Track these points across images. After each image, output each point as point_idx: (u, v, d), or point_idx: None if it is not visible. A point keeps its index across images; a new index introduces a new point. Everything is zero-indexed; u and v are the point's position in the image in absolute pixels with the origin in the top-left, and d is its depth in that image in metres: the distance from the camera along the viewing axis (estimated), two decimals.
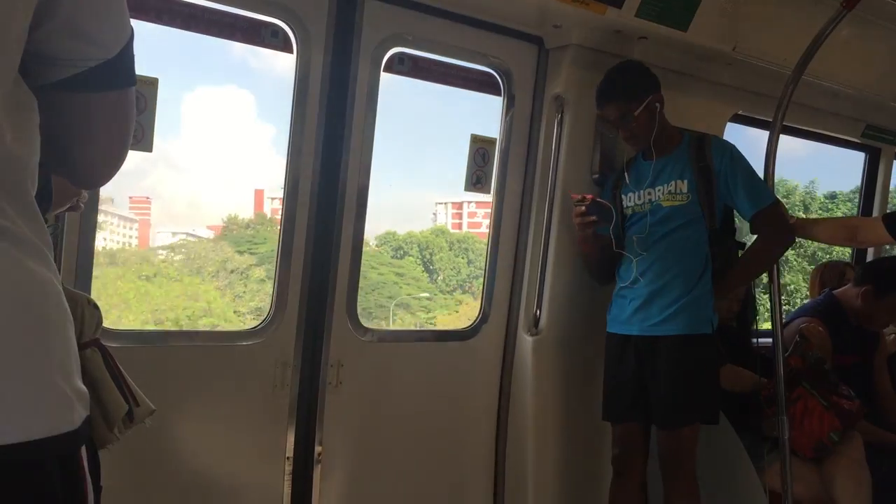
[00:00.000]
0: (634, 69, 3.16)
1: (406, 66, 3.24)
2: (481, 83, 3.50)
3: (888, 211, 4.56)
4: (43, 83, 1.02)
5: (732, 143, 3.22)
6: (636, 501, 3.17)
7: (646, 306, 3.09)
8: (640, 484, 3.18)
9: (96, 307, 2.04)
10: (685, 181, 3.09)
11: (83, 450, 1.00)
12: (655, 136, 3.12)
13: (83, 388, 0.98)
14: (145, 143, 2.61)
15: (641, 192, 3.18)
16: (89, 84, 1.04)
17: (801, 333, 3.51)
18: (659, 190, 3.14)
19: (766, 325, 3.67)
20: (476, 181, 3.45)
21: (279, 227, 3.08)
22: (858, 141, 4.87)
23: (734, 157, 3.11)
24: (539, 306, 3.48)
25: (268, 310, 3.07)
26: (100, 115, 1.08)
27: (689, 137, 3.19)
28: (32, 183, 0.98)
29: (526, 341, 3.49)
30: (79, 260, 2.61)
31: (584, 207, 3.07)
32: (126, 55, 1.07)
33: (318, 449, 3.10)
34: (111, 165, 1.14)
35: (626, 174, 3.27)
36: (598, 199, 3.09)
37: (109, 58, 1.04)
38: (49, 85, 1.02)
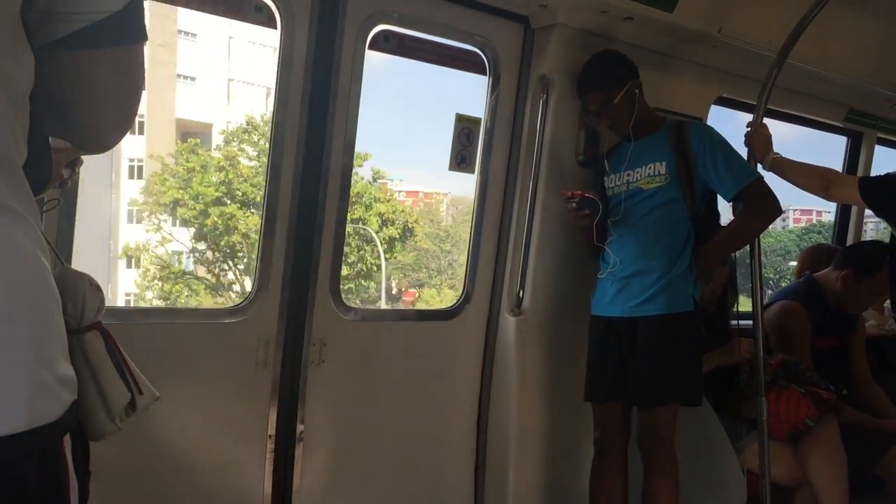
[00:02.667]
0: (611, 58, 3.20)
1: (391, 44, 3.21)
2: (467, 62, 3.48)
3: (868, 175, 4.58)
4: (44, 42, 0.95)
5: (722, 125, 3.23)
6: (618, 480, 3.20)
7: (626, 288, 3.12)
8: (621, 462, 3.21)
9: (98, 289, 1.93)
10: (664, 163, 3.11)
11: (67, 438, 0.93)
12: (635, 120, 3.15)
13: (69, 372, 0.92)
14: None
15: (621, 174, 3.21)
16: (95, 40, 0.96)
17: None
18: (638, 172, 3.16)
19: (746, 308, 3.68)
20: (460, 161, 3.44)
21: (262, 205, 3.07)
22: (841, 125, 4.90)
23: (713, 138, 3.13)
24: (522, 287, 3.49)
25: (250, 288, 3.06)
26: (107, 74, 1.00)
27: (669, 123, 3.21)
28: (19, 151, 0.91)
29: (509, 321, 3.49)
30: (59, 240, 2.58)
31: (574, 204, 3.09)
32: (134, 7, 0.99)
33: (300, 427, 3.10)
34: (120, 128, 1.07)
35: (606, 160, 3.30)
36: (587, 195, 3.10)
37: (117, 10, 0.97)
38: (50, 44, 0.95)
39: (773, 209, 3.15)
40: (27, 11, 0.92)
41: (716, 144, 3.11)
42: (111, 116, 1.05)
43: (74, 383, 0.93)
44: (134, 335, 2.75)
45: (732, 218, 3.23)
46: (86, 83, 0.99)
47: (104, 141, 1.09)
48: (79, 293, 1.86)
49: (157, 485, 2.85)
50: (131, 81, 1.04)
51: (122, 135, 1.08)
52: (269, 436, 3.07)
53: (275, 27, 2.90)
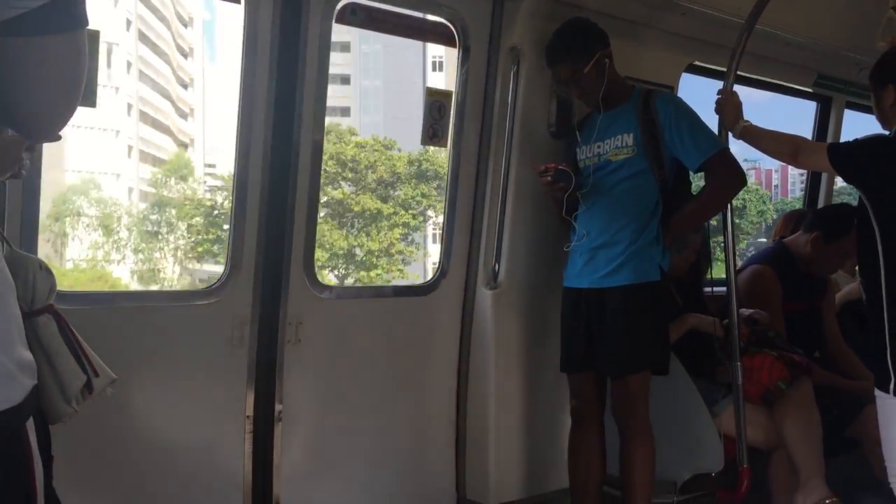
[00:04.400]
0: (581, 27, 3.15)
1: (358, 17, 3.17)
2: (437, 34, 3.47)
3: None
4: None
5: (701, 93, 3.22)
6: (595, 448, 3.23)
7: (593, 259, 3.13)
8: (598, 430, 3.24)
9: (49, 272, 1.93)
10: (631, 135, 3.10)
11: (30, 422, 0.93)
12: (605, 90, 3.12)
13: (27, 357, 0.91)
14: (88, 98, 2.52)
15: (592, 145, 3.20)
16: (31, 27, 0.92)
17: (752, 318, 3.54)
18: (607, 143, 3.15)
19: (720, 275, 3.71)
20: (432, 135, 3.42)
21: (232, 183, 3.03)
22: (810, 90, 4.92)
23: (678, 108, 3.12)
24: (498, 260, 3.49)
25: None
26: (48, 61, 0.96)
27: (638, 92, 3.19)
28: None
29: (485, 295, 3.50)
30: (23, 225, 2.53)
31: (549, 178, 3.08)
32: None
33: (278, 407, 3.09)
34: (61, 116, 1.04)
35: (578, 131, 3.29)
36: (560, 167, 3.09)
37: None
38: None
39: (737, 180, 3.15)
40: None
41: (681, 114, 3.10)
42: (53, 104, 1.02)
43: (34, 367, 0.92)
44: (107, 319, 2.73)
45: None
46: (24, 71, 0.95)
47: (48, 129, 1.06)
48: (28, 276, 1.85)
49: (136, 469, 2.84)
50: (72, 68, 1.00)
51: (66, 122, 1.05)
52: (248, 416, 3.06)
53: (238, 2, 2.85)
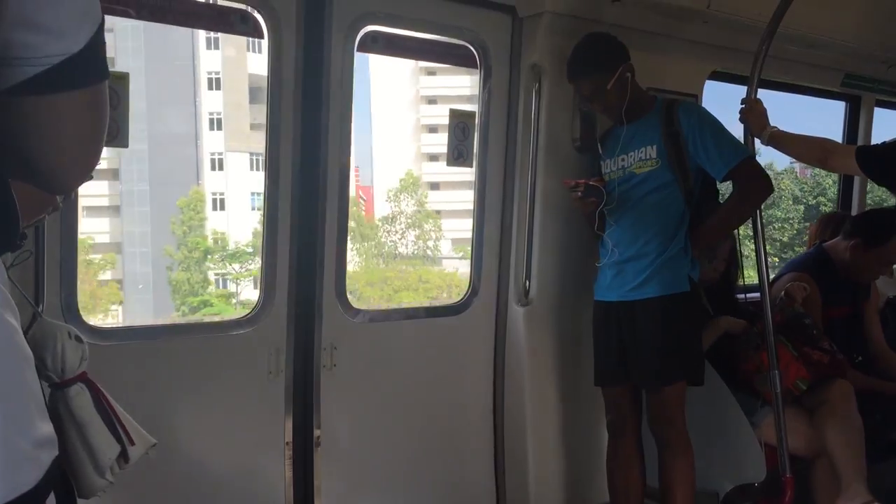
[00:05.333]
0: (602, 41, 3.14)
1: (380, 45, 3.21)
2: (458, 57, 3.49)
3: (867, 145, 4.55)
4: None
5: (726, 100, 3.20)
6: (633, 460, 3.22)
7: (622, 273, 3.13)
8: (636, 443, 3.23)
9: (79, 340, 1.90)
10: (654, 146, 3.09)
11: (51, 496, 0.89)
12: (628, 104, 3.12)
13: (47, 430, 0.87)
14: (121, 140, 2.59)
15: (616, 158, 3.20)
16: (53, 84, 0.89)
17: (785, 292, 3.52)
18: (631, 156, 3.15)
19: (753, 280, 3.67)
20: (458, 156, 3.44)
21: (262, 213, 3.08)
22: (838, 90, 4.87)
23: (701, 118, 3.11)
24: (528, 276, 3.49)
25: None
26: (69, 118, 0.93)
27: (660, 103, 3.19)
28: None
29: (517, 312, 3.50)
30: (62, 267, 2.58)
31: (579, 193, 3.09)
32: (95, 46, 0.92)
33: (316, 433, 3.12)
34: (85, 168, 1.01)
35: (600, 143, 3.29)
36: (591, 183, 3.11)
37: (75, 51, 0.90)
38: (5, 90, 0.88)
39: (763, 188, 3.13)
40: None
41: (704, 124, 3.09)
42: (75, 159, 0.99)
43: (54, 440, 0.89)
44: (146, 353, 2.78)
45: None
46: (47, 128, 0.93)
47: (69, 183, 1.03)
48: (57, 347, 1.81)
49: (179, 499, 2.88)
50: (95, 122, 0.98)
51: (88, 174, 1.03)
52: (287, 443, 3.09)
53: (262, 37, 2.90)
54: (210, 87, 26.55)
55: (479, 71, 3.42)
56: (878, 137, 3.26)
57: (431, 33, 3.37)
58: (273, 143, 2.99)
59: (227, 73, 27.09)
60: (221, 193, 25.78)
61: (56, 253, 2.54)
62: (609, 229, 3.18)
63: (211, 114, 26.73)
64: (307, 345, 3.11)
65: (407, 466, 3.40)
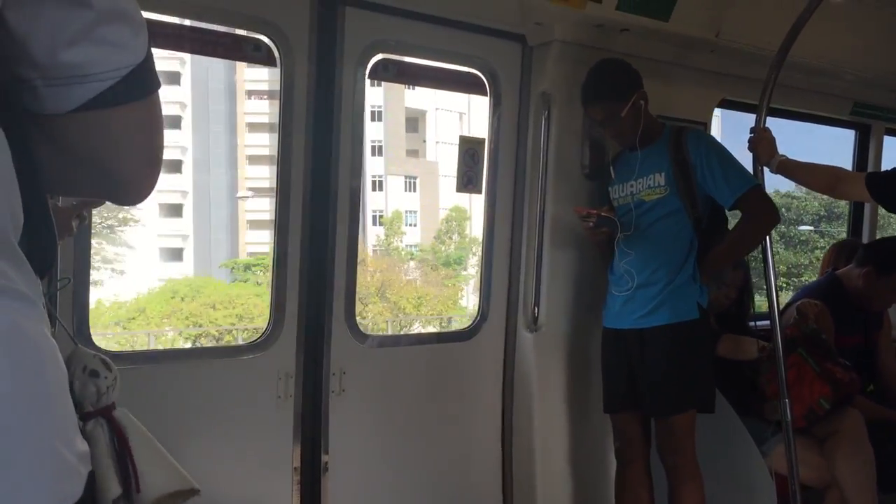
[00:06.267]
0: (617, 68, 3.15)
1: (391, 73, 3.25)
2: (468, 84, 3.52)
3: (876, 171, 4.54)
4: (62, 109, 0.90)
5: (736, 128, 3.22)
6: (642, 488, 3.20)
7: (631, 300, 3.13)
8: (644, 470, 3.21)
9: (94, 374, 1.86)
10: (662, 174, 3.11)
11: None
12: (641, 131, 3.13)
13: (85, 447, 0.90)
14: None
15: (624, 185, 3.22)
16: (123, 96, 0.91)
17: (798, 309, 3.51)
18: (640, 183, 3.16)
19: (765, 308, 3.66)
20: (467, 182, 3.46)
21: (272, 238, 3.10)
22: (848, 119, 4.88)
23: (709, 146, 3.12)
24: (537, 303, 3.50)
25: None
26: (137, 127, 0.96)
27: (669, 131, 3.20)
28: (15, 228, 0.88)
29: (526, 338, 3.50)
30: (75, 290, 2.61)
31: (591, 223, 3.10)
32: (151, 55, 0.94)
33: (324, 458, 3.12)
34: (154, 176, 1.03)
35: (611, 168, 3.30)
36: (603, 214, 3.13)
37: (138, 62, 0.92)
38: (72, 110, 0.90)
39: (769, 217, 3.14)
40: (36, 79, 0.88)
41: (712, 152, 3.09)
42: (145, 167, 1.01)
43: (88, 456, 0.92)
44: (155, 376, 2.79)
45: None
46: (119, 139, 0.96)
47: (144, 190, 1.05)
48: (74, 381, 1.82)
49: None
50: (157, 129, 1.00)
51: (153, 185, 1.05)
52: (295, 468, 3.09)
53: (274, 65, 2.94)
54: (372, 119, 31.43)
55: (489, 98, 3.45)
56: (887, 166, 3.25)
57: (442, 61, 3.40)
58: (284, 167, 3.01)
59: (388, 105, 32.27)
60: (380, 211, 31.24)
61: (69, 276, 2.57)
62: (620, 257, 3.18)
63: (373, 141, 31.47)
64: (316, 370, 3.11)
65: (415, 492, 3.39)
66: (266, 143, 31.42)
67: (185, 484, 1.99)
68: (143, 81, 0.94)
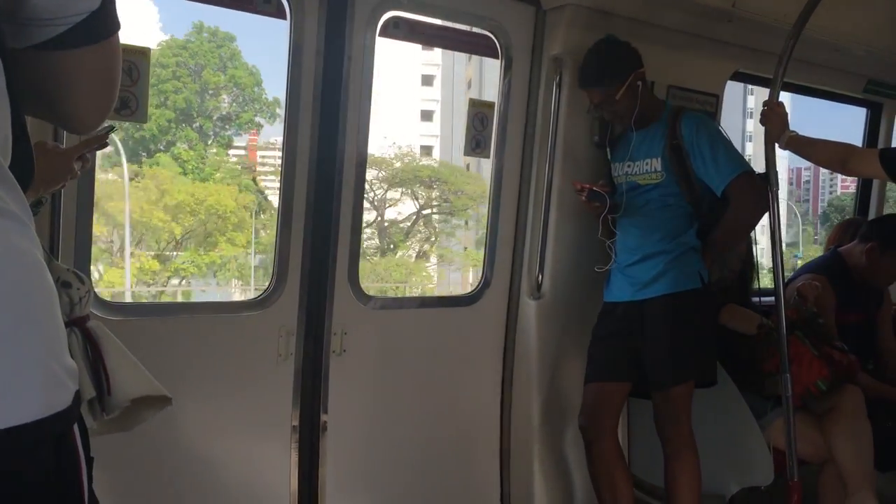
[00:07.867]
0: (613, 49, 3.11)
1: (402, 30, 3.20)
2: (479, 46, 3.47)
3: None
4: (25, 44, 0.96)
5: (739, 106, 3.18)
6: (614, 464, 3.15)
7: (631, 272, 3.12)
8: (614, 445, 3.16)
9: (66, 285, 1.89)
10: (658, 159, 3.09)
11: (75, 425, 0.97)
12: (638, 111, 3.09)
13: (72, 363, 0.95)
14: (139, 115, 2.58)
15: (622, 164, 3.21)
16: (78, 39, 0.98)
17: (798, 291, 3.50)
18: (637, 166, 3.14)
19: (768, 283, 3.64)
20: (475, 145, 3.43)
21: (278, 196, 3.07)
22: (860, 96, 4.82)
23: (699, 131, 3.07)
24: (541, 270, 3.48)
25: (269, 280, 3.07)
26: (89, 67, 1.03)
27: (668, 111, 3.16)
28: (4, 151, 0.92)
29: (529, 305, 3.49)
30: (77, 233, 2.59)
31: (584, 197, 3.08)
32: (110, 1, 1.00)
33: (323, 418, 3.11)
34: (102, 111, 1.11)
35: (609, 147, 3.29)
36: (594, 189, 3.08)
37: (95, 8, 0.97)
38: (31, 47, 0.96)
39: (757, 204, 3.08)
40: (4, 20, 0.93)
41: (702, 137, 3.05)
42: (97, 103, 1.09)
43: (77, 373, 0.97)
44: (155, 330, 2.78)
45: None
46: (69, 77, 1.02)
47: (91, 123, 1.13)
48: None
49: (181, 479, 2.88)
50: (113, 69, 1.07)
51: (106, 115, 1.14)
52: (293, 427, 3.09)
53: (284, 18, 2.89)
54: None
55: (500, 61, 3.40)
56: None
57: (454, 21, 3.35)
58: (291, 127, 2.98)
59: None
60: None
61: (72, 219, 2.55)
62: (617, 235, 3.16)
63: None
64: (318, 329, 3.10)
65: (413, 454, 3.39)
66: None
67: (156, 390, 2.02)
68: (100, 26, 1.00)
